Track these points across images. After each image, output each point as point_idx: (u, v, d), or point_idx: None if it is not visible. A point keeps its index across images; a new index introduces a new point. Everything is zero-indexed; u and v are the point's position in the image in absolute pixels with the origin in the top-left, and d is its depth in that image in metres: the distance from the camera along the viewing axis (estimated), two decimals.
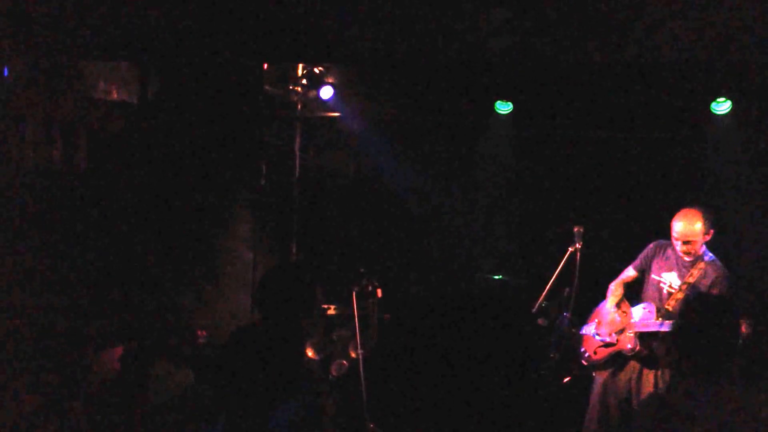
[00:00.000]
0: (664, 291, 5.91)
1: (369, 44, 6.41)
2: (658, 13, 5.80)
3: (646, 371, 5.90)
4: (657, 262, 5.99)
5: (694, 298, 5.43)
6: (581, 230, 6.10)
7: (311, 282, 4.09)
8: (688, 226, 5.77)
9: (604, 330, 6.03)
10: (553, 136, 7.65)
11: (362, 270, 6.69)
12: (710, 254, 5.86)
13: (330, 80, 7.59)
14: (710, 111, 7.11)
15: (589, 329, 6.14)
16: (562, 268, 6.08)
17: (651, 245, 6.06)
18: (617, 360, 5.97)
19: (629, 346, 5.85)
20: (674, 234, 5.80)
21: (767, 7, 5.45)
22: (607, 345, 5.98)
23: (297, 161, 8.04)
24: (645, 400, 5.60)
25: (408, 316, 7.58)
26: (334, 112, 7.89)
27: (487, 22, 6.08)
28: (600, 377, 6.06)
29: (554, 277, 6.07)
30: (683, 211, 5.82)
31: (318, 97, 7.67)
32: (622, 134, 7.45)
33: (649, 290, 6.01)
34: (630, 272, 6.12)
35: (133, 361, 5.82)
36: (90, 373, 5.77)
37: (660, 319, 5.78)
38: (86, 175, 6.06)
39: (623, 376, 5.96)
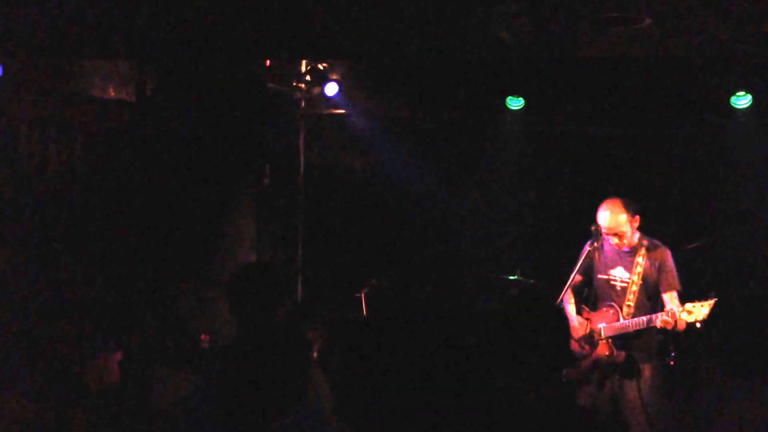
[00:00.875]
0: (618, 287, 5.80)
1: (375, 39, 6.33)
2: (675, 5, 5.73)
3: (626, 379, 5.72)
4: (599, 261, 5.87)
5: (653, 285, 5.70)
6: (599, 228, 5.94)
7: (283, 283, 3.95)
8: (612, 218, 5.69)
9: (573, 343, 5.84)
10: (566, 132, 7.56)
11: (370, 272, 6.61)
12: (646, 237, 5.79)
13: (335, 76, 7.53)
14: (730, 105, 7.03)
15: None
16: (580, 267, 5.89)
17: (587, 245, 5.89)
18: (595, 372, 5.79)
19: (606, 352, 5.71)
20: (602, 230, 5.71)
21: None
22: (582, 357, 5.79)
23: (301, 160, 7.96)
24: (631, 406, 5.61)
25: (418, 318, 7.48)
26: (340, 109, 7.83)
27: (497, 16, 6.01)
28: (582, 395, 5.87)
29: (573, 274, 5.87)
30: (604, 205, 5.72)
31: (323, 94, 7.61)
32: (638, 130, 7.35)
33: (602, 290, 5.87)
34: (575, 278, 5.91)
35: (134, 366, 5.72)
36: (88, 378, 5.67)
37: (627, 316, 5.69)
38: (82, 175, 6.03)
39: (606, 390, 5.78)
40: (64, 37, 5.65)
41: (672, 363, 6.30)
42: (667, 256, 5.79)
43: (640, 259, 5.75)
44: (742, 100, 6.98)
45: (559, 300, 5.85)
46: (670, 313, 5.53)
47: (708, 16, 5.74)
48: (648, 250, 5.77)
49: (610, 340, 5.72)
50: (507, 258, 7.54)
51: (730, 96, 7.00)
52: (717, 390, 6.68)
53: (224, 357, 3.92)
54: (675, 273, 5.78)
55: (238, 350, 3.87)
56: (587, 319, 5.87)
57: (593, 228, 5.90)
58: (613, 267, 5.85)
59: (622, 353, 5.71)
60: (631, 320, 5.67)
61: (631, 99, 7.11)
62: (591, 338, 5.80)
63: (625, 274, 5.81)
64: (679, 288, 5.78)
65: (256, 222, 7.48)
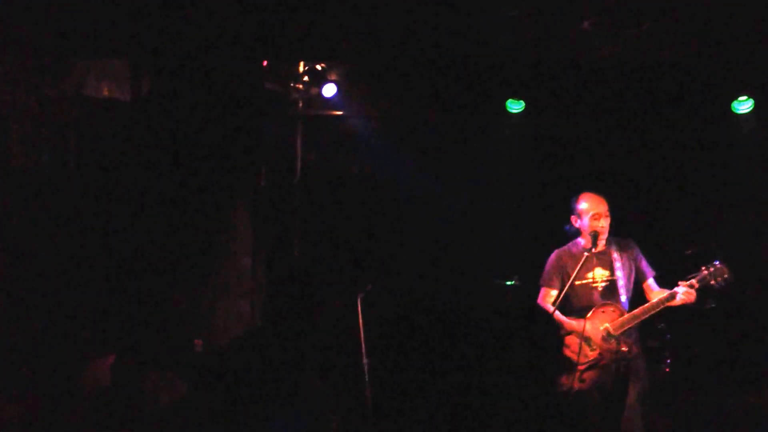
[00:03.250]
0: (600, 288, 5.84)
1: (374, 40, 6.31)
2: (676, 9, 5.74)
3: (632, 380, 5.78)
4: (573, 268, 5.86)
5: (638, 274, 5.81)
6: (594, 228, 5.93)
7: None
8: (602, 201, 5.86)
9: (575, 355, 5.78)
10: (567, 135, 7.54)
11: (366, 274, 6.57)
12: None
13: (333, 77, 7.49)
14: (731, 110, 7.03)
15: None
16: (556, 281, 5.95)
17: (553, 257, 6.01)
18: (600, 378, 5.79)
19: (624, 348, 5.72)
20: (596, 211, 5.81)
21: None
22: (590, 367, 5.76)
23: (298, 161, 7.90)
24: (631, 408, 5.68)
25: (415, 322, 7.46)
26: (338, 110, 7.79)
27: (496, 19, 6.01)
28: (589, 403, 5.84)
29: (571, 280, 5.85)
30: (589, 194, 5.89)
31: (320, 95, 7.56)
32: (639, 134, 7.34)
33: (582, 295, 5.87)
34: (552, 293, 5.96)
35: (126, 370, 5.70)
36: (81, 382, 5.64)
37: (625, 313, 5.74)
38: (76, 175, 5.92)
39: (609, 393, 5.80)
40: (57, 35, 5.63)
41: (668, 370, 6.30)
42: (635, 245, 5.94)
43: (616, 255, 5.84)
44: (743, 105, 6.97)
45: (552, 313, 5.86)
46: (689, 285, 5.64)
47: (708, 20, 5.75)
48: (618, 244, 5.89)
49: (622, 337, 5.72)
50: (505, 263, 7.51)
51: (731, 100, 6.99)
52: (713, 396, 6.72)
53: (218, 360, 3.89)
54: (645, 259, 5.93)
55: (235, 354, 3.84)
56: (594, 324, 5.81)
57: (591, 233, 5.89)
58: (589, 270, 5.88)
59: (635, 348, 5.76)
60: (645, 306, 5.73)
61: (631, 103, 7.11)
62: (589, 342, 5.76)
63: (604, 272, 5.85)
64: (654, 272, 5.90)
65: (253, 223, 7.38)
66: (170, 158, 6.50)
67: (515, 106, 7.48)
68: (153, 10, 5.85)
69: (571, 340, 5.81)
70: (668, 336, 6.62)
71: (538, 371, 6.62)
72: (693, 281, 5.67)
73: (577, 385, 5.75)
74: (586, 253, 5.80)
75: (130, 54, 6.11)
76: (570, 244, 6.02)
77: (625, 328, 5.73)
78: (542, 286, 6.02)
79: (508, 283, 7.08)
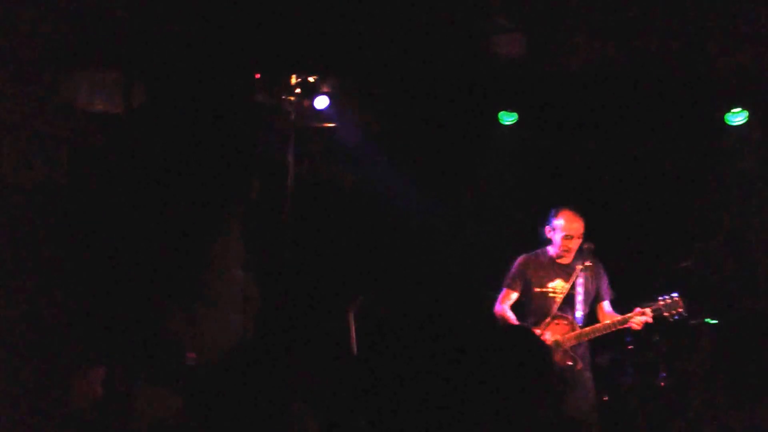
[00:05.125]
0: (556, 299, 5.88)
1: (366, 51, 6.30)
2: (670, 21, 5.75)
3: (581, 390, 5.87)
4: (536, 275, 5.99)
5: (592, 294, 5.89)
6: (591, 247, 5.98)
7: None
8: (579, 223, 5.93)
9: None
10: (560, 147, 7.53)
11: (362, 286, 6.55)
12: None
13: (325, 90, 7.43)
14: (725, 122, 7.02)
15: None
16: (518, 284, 6.04)
17: (520, 261, 6.08)
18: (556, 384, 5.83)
19: (569, 362, 5.79)
20: (572, 231, 5.90)
21: None
22: None
23: (290, 173, 7.83)
24: (585, 416, 5.77)
25: (408, 334, 7.42)
26: (330, 122, 7.74)
27: (490, 31, 6.01)
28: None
29: (509, 302, 6.02)
30: (569, 212, 5.96)
31: (313, 107, 7.51)
32: (633, 146, 7.33)
33: (536, 304, 5.96)
34: (512, 296, 6.05)
35: (117, 384, 5.65)
36: (71, 395, 5.59)
37: (577, 328, 5.83)
38: (67, 189, 5.88)
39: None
40: (47, 47, 5.60)
41: (663, 384, 6.30)
42: (602, 265, 6.04)
43: (579, 271, 5.90)
44: (737, 117, 6.96)
45: (500, 317, 5.98)
46: (641, 313, 5.72)
47: (702, 32, 5.76)
48: (584, 261, 5.94)
49: (570, 351, 5.79)
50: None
51: (725, 113, 6.99)
52: (707, 409, 6.69)
53: (214, 375, 3.85)
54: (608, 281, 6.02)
55: (228, 368, 3.80)
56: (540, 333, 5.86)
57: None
58: (551, 280, 5.96)
59: (580, 363, 5.83)
60: (597, 325, 5.84)
61: (624, 115, 7.08)
62: (553, 351, 5.78)
63: (564, 285, 5.90)
64: (612, 295, 6.02)
65: (245, 235, 7.38)
66: (162, 171, 6.48)
67: (508, 118, 7.49)
68: (145, 24, 5.83)
69: None
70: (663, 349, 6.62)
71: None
72: (647, 310, 5.73)
73: None
74: (579, 266, 5.86)
75: (123, 67, 6.08)
76: (538, 250, 6.11)
77: (574, 342, 5.80)
78: (503, 287, 6.10)
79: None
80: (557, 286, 5.93)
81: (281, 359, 3.79)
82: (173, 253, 6.65)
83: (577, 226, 5.91)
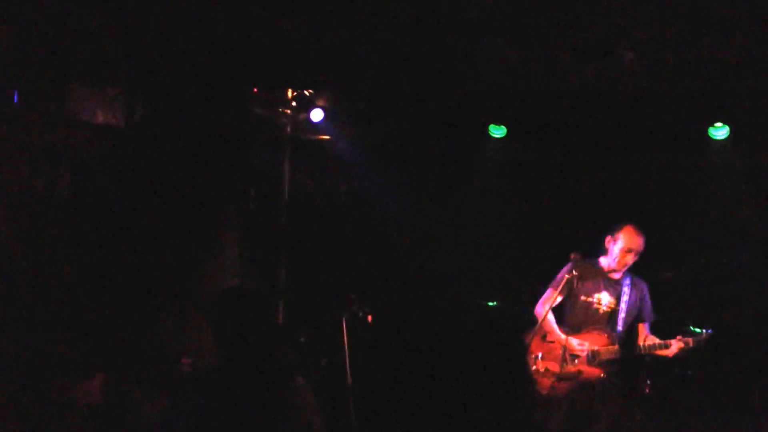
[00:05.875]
0: (600, 311, 5.93)
1: (360, 67, 6.36)
2: (653, 38, 5.79)
3: (607, 402, 5.90)
4: (583, 284, 5.97)
5: (634, 313, 5.90)
6: (578, 257, 5.99)
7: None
8: (641, 242, 5.92)
9: (556, 363, 5.89)
10: (549, 160, 7.59)
11: (353, 296, 6.58)
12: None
13: (320, 103, 7.48)
14: (708, 136, 7.05)
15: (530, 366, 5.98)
16: (563, 289, 5.97)
17: (569, 267, 5.97)
18: (572, 393, 5.90)
19: (600, 374, 5.84)
20: (633, 246, 5.88)
21: (764, 32, 5.43)
22: (565, 378, 5.85)
23: (286, 185, 7.94)
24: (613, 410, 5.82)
25: (400, 343, 7.49)
26: (325, 134, 7.81)
27: (480, 47, 6.05)
28: (555, 412, 5.93)
29: (551, 305, 5.95)
30: (633, 229, 5.93)
31: (308, 120, 7.56)
32: (619, 159, 7.39)
33: (578, 312, 5.98)
34: (557, 299, 5.97)
35: (114, 390, 5.69)
36: (69, 403, 5.64)
37: (615, 343, 5.87)
38: (70, 200, 5.96)
39: (579, 410, 5.90)
40: (51, 62, 5.68)
41: (647, 390, 6.38)
42: (646, 287, 6.04)
43: (626, 288, 5.94)
44: (719, 131, 6.98)
45: (542, 319, 5.90)
46: (683, 341, 5.80)
47: (685, 47, 5.82)
48: (632, 279, 5.99)
49: (605, 364, 5.84)
50: (487, 284, 7.57)
51: (707, 127, 7.01)
52: (692, 416, 6.75)
53: (206, 381, 3.93)
54: (651, 304, 6.02)
55: (220, 375, 3.89)
56: (581, 342, 5.93)
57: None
58: (597, 291, 5.97)
59: (604, 375, 5.86)
60: (642, 344, 5.87)
61: (611, 129, 7.12)
62: (589, 360, 5.86)
63: (609, 299, 5.94)
64: (654, 318, 6.02)
65: (241, 246, 7.45)
66: (161, 182, 6.55)
67: (498, 131, 7.53)
68: (146, 39, 5.89)
69: (555, 349, 5.90)
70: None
71: (518, 391, 6.70)
72: (690, 340, 5.83)
73: (546, 392, 5.85)
74: (566, 274, 5.88)
75: (124, 81, 6.15)
76: (591, 259, 6.07)
77: (611, 357, 5.84)
78: (550, 288, 6.03)
79: (490, 304, 7.14)
80: (603, 299, 5.95)
81: (276, 365, 3.86)
82: (170, 263, 6.72)
83: (640, 242, 5.91)
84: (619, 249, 5.92)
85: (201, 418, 3.75)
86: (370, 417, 6.66)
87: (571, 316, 6.02)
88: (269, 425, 3.67)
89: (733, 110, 6.77)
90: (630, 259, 5.91)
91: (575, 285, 5.95)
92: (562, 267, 6.09)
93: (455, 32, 5.95)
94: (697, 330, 6.00)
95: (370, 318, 6.57)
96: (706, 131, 7.03)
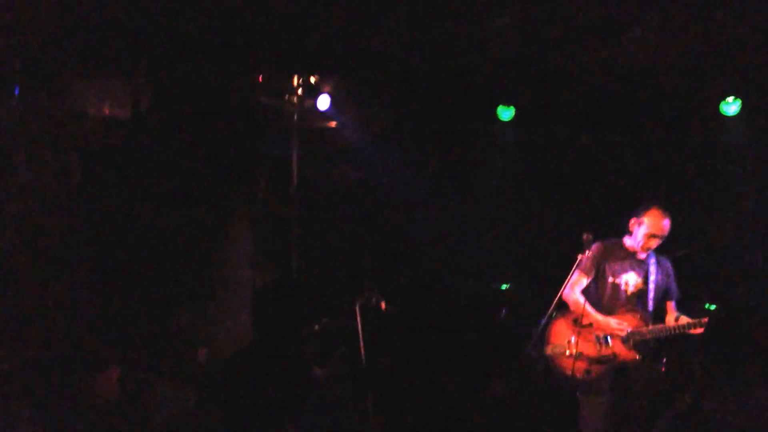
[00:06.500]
0: (629, 292, 5.87)
1: (366, 52, 6.35)
2: (664, 14, 5.76)
3: (641, 383, 5.83)
4: (610, 265, 5.91)
5: (662, 292, 5.85)
6: (590, 238, 5.91)
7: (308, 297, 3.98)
8: (667, 226, 5.80)
9: (591, 346, 5.84)
10: (558, 140, 7.56)
11: (368, 282, 6.58)
12: None
13: (327, 89, 7.44)
14: (720, 112, 7.03)
15: (558, 350, 5.92)
16: (591, 270, 5.92)
17: (597, 247, 5.91)
18: (607, 375, 5.82)
19: (636, 356, 5.77)
20: (658, 230, 5.76)
21: None
22: (602, 361, 5.81)
23: (294, 172, 7.87)
24: (642, 407, 5.69)
25: (412, 328, 7.48)
26: (332, 121, 7.78)
27: (487, 27, 6.03)
28: (596, 399, 5.87)
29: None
30: (660, 212, 5.78)
31: (315, 107, 7.52)
32: (630, 138, 7.37)
33: (608, 294, 5.91)
34: (584, 280, 5.92)
35: (132, 382, 5.71)
36: (88, 395, 5.65)
37: (649, 324, 5.81)
38: (79, 192, 6.00)
39: (618, 392, 5.83)
40: (58, 55, 5.68)
41: (663, 369, 6.36)
42: (671, 265, 5.97)
43: (653, 268, 5.88)
44: (731, 107, 6.97)
45: (575, 302, 5.86)
46: (700, 321, 5.66)
47: (695, 22, 5.80)
48: (658, 258, 5.92)
49: (640, 344, 5.79)
50: (500, 267, 7.57)
51: (719, 102, 6.99)
52: (708, 394, 6.75)
53: (225, 370, 3.94)
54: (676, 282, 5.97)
55: (239, 363, 3.89)
56: (618, 322, 5.86)
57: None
58: (624, 272, 5.92)
59: (647, 359, 5.81)
60: (670, 325, 5.78)
61: (621, 107, 7.11)
62: (624, 342, 5.81)
63: (636, 279, 5.88)
64: (680, 296, 5.97)
65: (251, 234, 7.44)
66: (170, 173, 6.57)
67: (506, 114, 7.53)
68: (151, 30, 5.89)
69: (590, 332, 5.86)
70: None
71: (531, 374, 6.70)
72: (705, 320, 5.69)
73: (580, 375, 5.80)
74: (582, 256, 5.84)
75: (129, 73, 6.15)
76: (615, 240, 6.00)
77: (644, 338, 5.78)
78: (578, 270, 5.85)
79: (503, 287, 7.13)
80: (630, 280, 5.90)
81: (290, 354, 3.86)
82: (182, 254, 6.74)
83: (665, 225, 5.81)
84: (643, 234, 5.83)
85: (218, 408, 3.76)
86: (385, 404, 6.68)
87: (601, 299, 5.95)
88: (288, 416, 3.68)
89: (745, 84, 6.76)
90: (654, 243, 5.82)
91: (602, 266, 5.91)
92: (573, 249, 6.04)
93: (462, 13, 5.93)
94: (713, 307, 5.96)
95: (383, 305, 6.57)
96: (717, 106, 7.00)
